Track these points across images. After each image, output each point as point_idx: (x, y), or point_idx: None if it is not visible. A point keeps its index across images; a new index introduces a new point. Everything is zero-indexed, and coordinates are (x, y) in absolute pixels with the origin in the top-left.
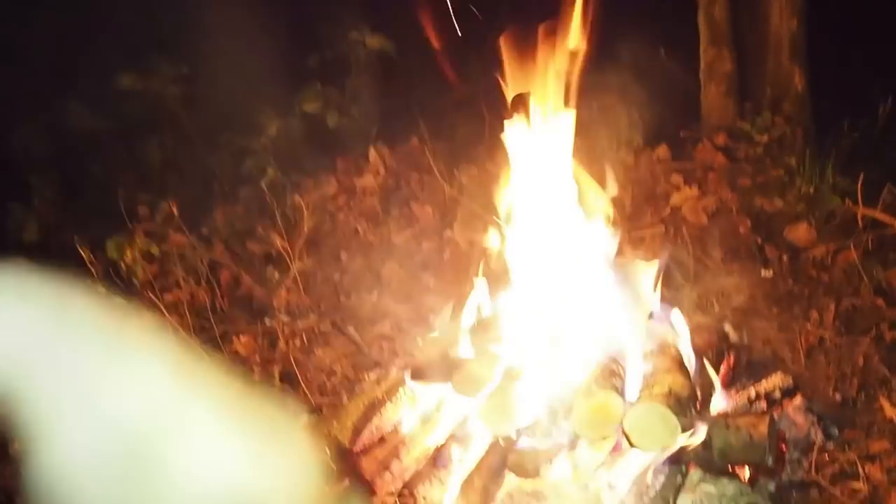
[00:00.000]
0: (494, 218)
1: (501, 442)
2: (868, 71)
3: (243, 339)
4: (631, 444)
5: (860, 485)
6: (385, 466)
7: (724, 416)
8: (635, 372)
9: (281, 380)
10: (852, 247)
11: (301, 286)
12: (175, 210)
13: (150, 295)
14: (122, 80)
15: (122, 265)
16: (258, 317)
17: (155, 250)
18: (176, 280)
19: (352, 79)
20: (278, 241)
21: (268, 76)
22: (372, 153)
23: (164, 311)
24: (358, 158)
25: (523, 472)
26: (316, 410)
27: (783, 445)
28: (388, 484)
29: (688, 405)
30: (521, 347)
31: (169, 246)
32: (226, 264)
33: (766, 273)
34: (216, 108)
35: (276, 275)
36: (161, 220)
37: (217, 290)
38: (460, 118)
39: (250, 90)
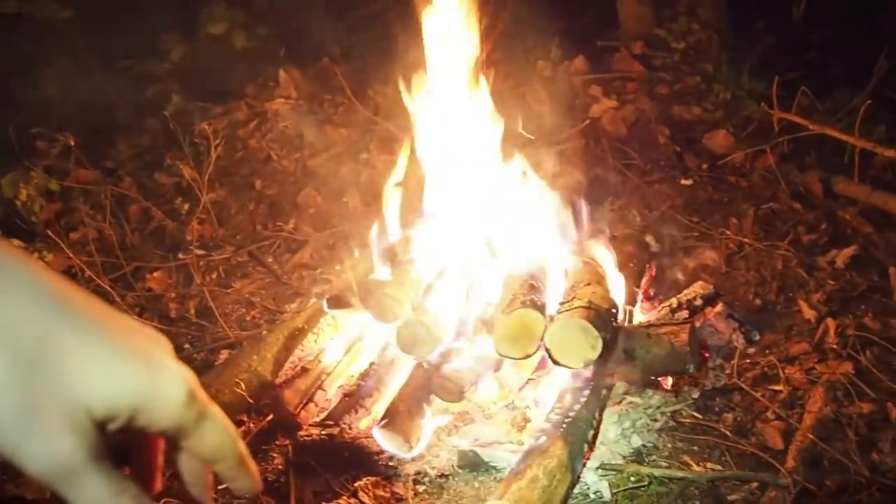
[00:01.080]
0: (411, 138)
1: (425, 365)
2: None
3: (157, 275)
4: (553, 360)
5: (780, 386)
6: (309, 397)
7: (646, 326)
8: (555, 287)
9: (198, 315)
10: (769, 151)
11: (214, 217)
12: (73, 143)
13: (53, 235)
14: (4, 5)
15: (19, 204)
16: (172, 251)
17: (55, 186)
18: (81, 218)
19: None
20: (188, 172)
21: None
22: (282, 75)
23: (69, 251)
24: (267, 82)
25: (448, 394)
26: (236, 345)
27: (706, 353)
28: (313, 415)
29: (608, 318)
30: (439, 269)
31: (71, 181)
32: (134, 198)
33: (686, 181)
34: (114, 32)
35: (188, 207)
36: (60, 154)
37: (126, 226)
38: (372, 36)
39: (150, 12)
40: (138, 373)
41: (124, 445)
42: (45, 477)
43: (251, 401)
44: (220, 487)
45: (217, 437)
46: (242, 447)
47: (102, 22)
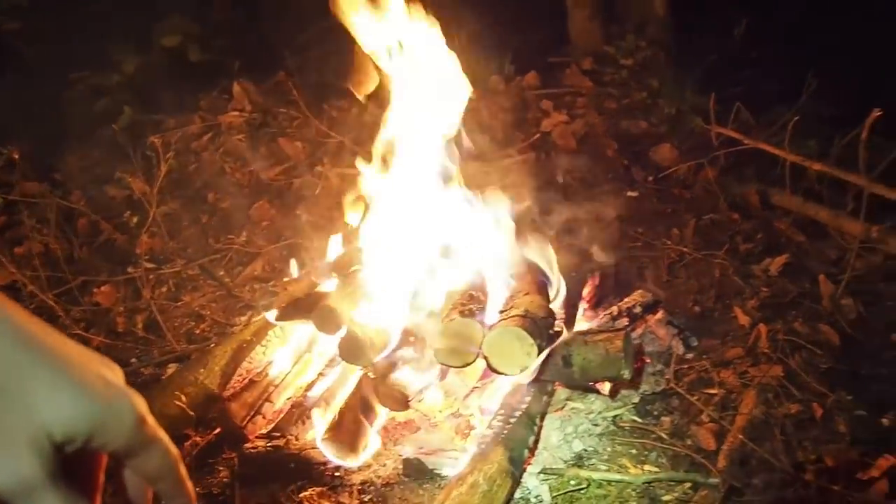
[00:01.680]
0: (363, 152)
1: (371, 376)
2: None
3: (104, 289)
4: (491, 368)
5: (715, 390)
6: (256, 410)
7: (583, 334)
8: (495, 297)
9: (146, 329)
10: (708, 164)
11: (165, 231)
12: (16, 155)
13: None
14: None
15: None
16: (121, 265)
17: None
18: (26, 231)
19: (213, 11)
20: (138, 185)
21: (122, 8)
22: (236, 89)
23: (11, 266)
24: (221, 95)
25: (394, 404)
26: (184, 358)
27: (643, 359)
28: (260, 427)
29: (545, 326)
30: (382, 280)
31: (16, 194)
32: (82, 211)
33: (633, 193)
34: (64, 43)
35: (138, 220)
36: (5, 167)
37: (74, 240)
38: (327, 51)
39: (103, 23)
40: (95, 400)
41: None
42: (5, 493)
43: (192, 414)
44: None
45: (160, 459)
46: (182, 469)
47: (53, 33)
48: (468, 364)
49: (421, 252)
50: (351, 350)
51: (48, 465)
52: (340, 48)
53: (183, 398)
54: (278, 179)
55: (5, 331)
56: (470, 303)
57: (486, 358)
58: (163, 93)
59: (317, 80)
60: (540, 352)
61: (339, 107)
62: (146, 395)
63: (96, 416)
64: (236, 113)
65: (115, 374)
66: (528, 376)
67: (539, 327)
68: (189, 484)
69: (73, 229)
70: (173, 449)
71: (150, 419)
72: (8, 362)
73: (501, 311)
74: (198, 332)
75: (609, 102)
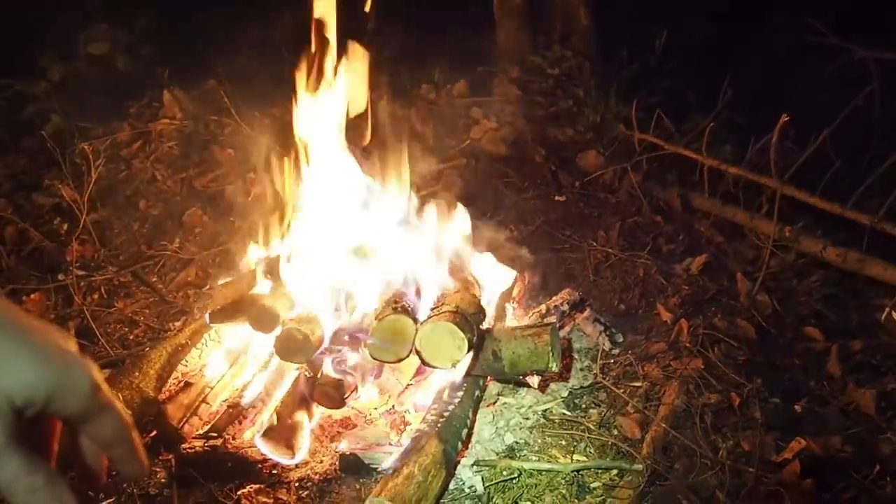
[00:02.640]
0: (293, 158)
1: (307, 375)
2: (646, 6)
3: (34, 296)
4: (423, 362)
5: (640, 383)
6: (192, 411)
7: (512, 329)
8: (426, 294)
9: (78, 335)
10: (630, 169)
11: (96, 238)
12: None
13: None
14: None
15: None
16: (51, 273)
17: None
18: None
19: (140, 18)
20: (67, 192)
21: (48, 15)
22: (166, 96)
23: None
24: (151, 102)
25: (329, 401)
26: (118, 363)
27: (571, 355)
28: (196, 428)
29: (475, 321)
30: (316, 280)
31: None
32: (10, 219)
33: (560, 198)
34: None
35: (67, 227)
36: None
37: (2, 248)
38: (258, 58)
39: (28, 30)
40: (52, 367)
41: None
42: None
43: (134, 416)
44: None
45: (114, 425)
46: (136, 436)
47: None
48: (401, 359)
49: (353, 252)
50: (287, 348)
51: (9, 429)
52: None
53: (121, 398)
54: (210, 186)
55: None
56: (402, 300)
57: (418, 353)
58: (91, 101)
59: (247, 87)
60: (470, 346)
61: (269, 114)
62: None
63: (54, 382)
64: (167, 120)
65: (70, 345)
66: (460, 371)
67: (469, 322)
68: (142, 450)
69: (0, 237)
70: (126, 416)
71: (105, 387)
72: None
73: (433, 308)
74: (132, 337)
75: (536, 110)
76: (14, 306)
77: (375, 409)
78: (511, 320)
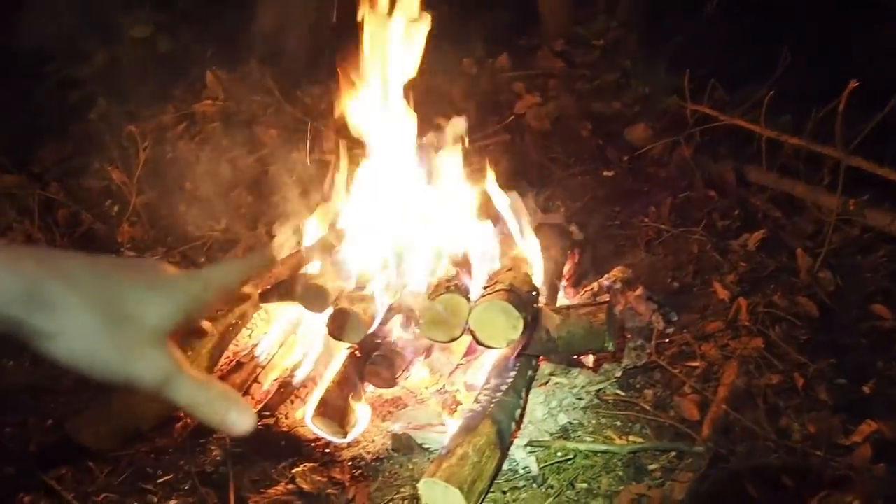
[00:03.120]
0: (340, 136)
1: (358, 354)
2: None
3: None
4: (478, 342)
5: (697, 362)
6: (244, 390)
7: (567, 308)
8: (479, 272)
9: None
10: (684, 142)
11: (145, 219)
12: None
13: None
14: None
15: None
16: (103, 254)
17: None
18: (8, 223)
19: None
20: (117, 175)
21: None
22: (209, 77)
23: None
24: (194, 84)
25: (381, 381)
26: None
27: (626, 334)
28: None
29: (529, 300)
30: (367, 259)
31: None
32: (62, 202)
33: (608, 173)
34: (35, 36)
35: (117, 209)
36: None
37: (55, 230)
38: (299, 37)
39: (73, 15)
40: (177, 292)
41: None
42: (152, 388)
43: None
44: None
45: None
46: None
47: (25, 25)
48: (454, 339)
49: (405, 231)
50: (339, 328)
51: (171, 355)
52: (311, 34)
53: None
54: (254, 166)
55: (95, 272)
56: (455, 279)
57: (472, 332)
58: (135, 84)
59: (289, 67)
60: (525, 325)
61: (312, 93)
62: None
63: (182, 304)
64: (210, 102)
65: (170, 268)
66: (512, 351)
67: (524, 301)
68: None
69: (53, 220)
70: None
71: (205, 281)
72: (110, 293)
73: (486, 287)
74: None
75: (581, 83)
76: (118, 259)
77: (426, 388)
78: (562, 299)
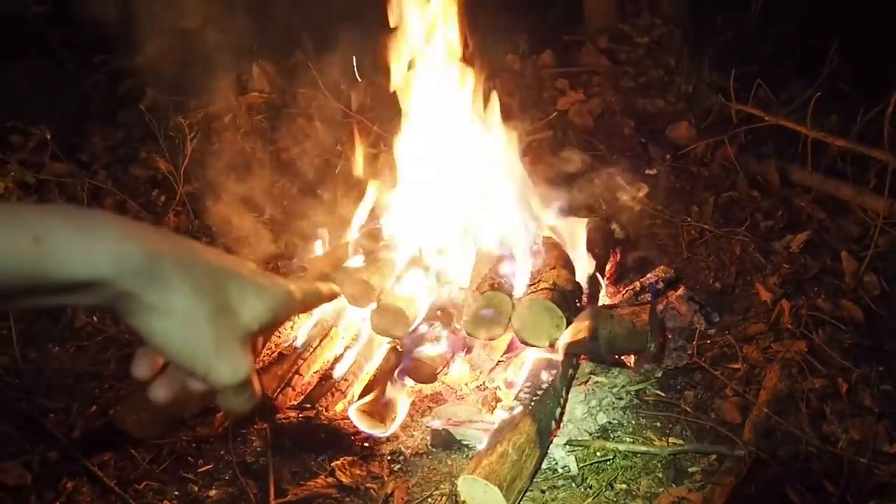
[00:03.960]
0: (384, 130)
1: (399, 349)
2: None
3: None
4: (520, 340)
5: (738, 365)
6: (286, 382)
7: (609, 307)
8: (522, 270)
9: None
10: (728, 142)
11: (190, 209)
12: (49, 136)
13: None
14: None
15: None
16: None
17: (31, 179)
18: None
19: None
20: (163, 164)
21: None
22: (255, 70)
23: None
24: (241, 75)
25: (421, 376)
26: None
27: (667, 334)
28: (290, 399)
29: (572, 299)
30: (411, 254)
31: (46, 174)
32: (109, 191)
33: (650, 171)
34: (87, 27)
35: (164, 199)
36: (35, 147)
37: None
38: (345, 30)
39: (123, 7)
40: (270, 294)
41: None
42: (226, 386)
43: None
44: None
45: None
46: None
47: (75, 18)
48: (497, 336)
49: (449, 226)
50: (383, 323)
51: (251, 356)
52: (359, 27)
53: None
54: (298, 159)
55: (207, 259)
56: (498, 276)
57: (515, 330)
58: (183, 75)
59: (335, 59)
60: (568, 324)
61: (357, 87)
62: None
63: (274, 307)
64: (256, 94)
65: (269, 272)
66: (553, 349)
67: (567, 300)
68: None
69: (101, 208)
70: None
71: (297, 292)
72: (217, 283)
73: (530, 285)
74: None
75: (625, 81)
76: (221, 253)
77: (466, 384)
78: (603, 298)
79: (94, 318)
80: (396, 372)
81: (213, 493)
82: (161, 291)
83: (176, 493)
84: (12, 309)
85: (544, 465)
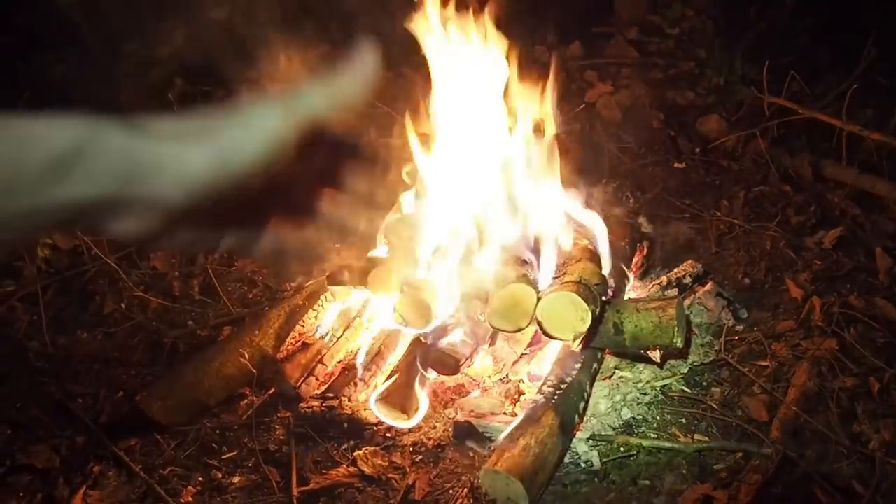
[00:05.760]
0: (410, 121)
1: (423, 340)
2: None
3: (160, 254)
4: (545, 333)
5: (767, 362)
6: (309, 371)
7: (635, 301)
8: (547, 263)
9: (201, 293)
10: (759, 135)
11: None
12: None
13: None
14: None
15: None
16: None
17: None
18: None
19: None
20: None
21: None
22: (283, 60)
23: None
24: (268, 66)
25: (444, 368)
26: (238, 321)
27: (693, 330)
28: (313, 388)
29: (598, 292)
30: (435, 245)
31: None
32: None
33: (679, 165)
34: (117, 16)
35: None
36: None
37: None
38: (372, 20)
39: None
40: None
41: None
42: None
43: (255, 372)
44: None
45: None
46: None
47: (105, 7)
48: (521, 329)
49: (474, 218)
50: (406, 314)
51: None
52: (385, 17)
53: (245, 355)
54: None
55: None
56: (523, 268)
57: (539, 323)
58: (212, 65)
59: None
60: (594, 318)
61: (384, 77)
62: (204, 355)
63: None
64: (283, 84)
65: None
66: (578, 343)
67: (592, 293)
68: None
69: None
70: None
71: None
72: None
73: (555, 277)
74: (250, 296)
75: (655, 73)
76: None
77: (489, 377)
78: (629, 292)
79: (122, 306)
80: (420, 363)
81: (236, 479)
82: None
83: (200, 479)
84: None
85: (567, 460)
